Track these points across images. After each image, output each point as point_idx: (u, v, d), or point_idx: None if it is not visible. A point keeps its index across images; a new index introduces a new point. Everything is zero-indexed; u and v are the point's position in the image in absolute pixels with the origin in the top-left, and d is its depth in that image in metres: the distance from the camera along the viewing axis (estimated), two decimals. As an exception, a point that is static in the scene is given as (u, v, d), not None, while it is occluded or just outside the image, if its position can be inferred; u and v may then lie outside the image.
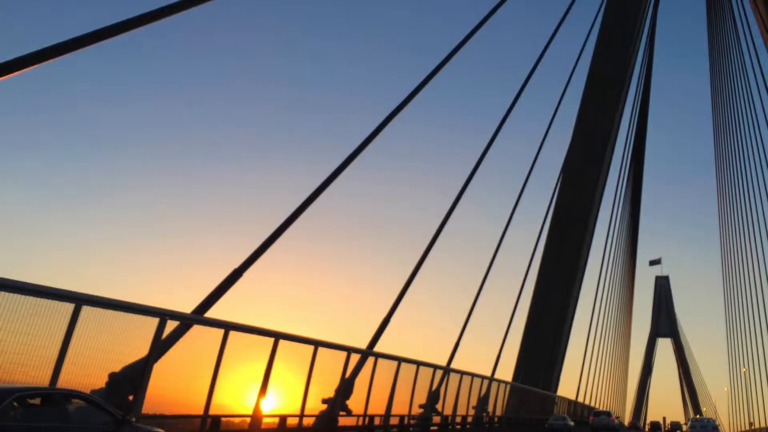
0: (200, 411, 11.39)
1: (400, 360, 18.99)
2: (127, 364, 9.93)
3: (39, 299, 8.38)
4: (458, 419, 25.44)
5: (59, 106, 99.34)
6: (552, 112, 39.01)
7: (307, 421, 14.99)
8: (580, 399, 56.10)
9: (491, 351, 34.44)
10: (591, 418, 43.18)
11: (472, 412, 27.19)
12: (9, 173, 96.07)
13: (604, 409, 59.29)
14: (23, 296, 8.18)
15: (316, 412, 15.35)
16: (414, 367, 20.16)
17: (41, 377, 8.41)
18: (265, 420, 13.16)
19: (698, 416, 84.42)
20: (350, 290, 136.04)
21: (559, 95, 40.05)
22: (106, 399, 8.82)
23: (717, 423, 40.17)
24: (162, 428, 8.75)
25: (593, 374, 60.75)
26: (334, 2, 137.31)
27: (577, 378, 54.99)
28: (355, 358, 16.52)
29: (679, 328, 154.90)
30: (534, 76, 31.23)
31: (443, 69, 21.99)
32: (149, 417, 10.11)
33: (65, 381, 8.59)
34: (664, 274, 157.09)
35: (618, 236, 64.87)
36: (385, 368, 18.25)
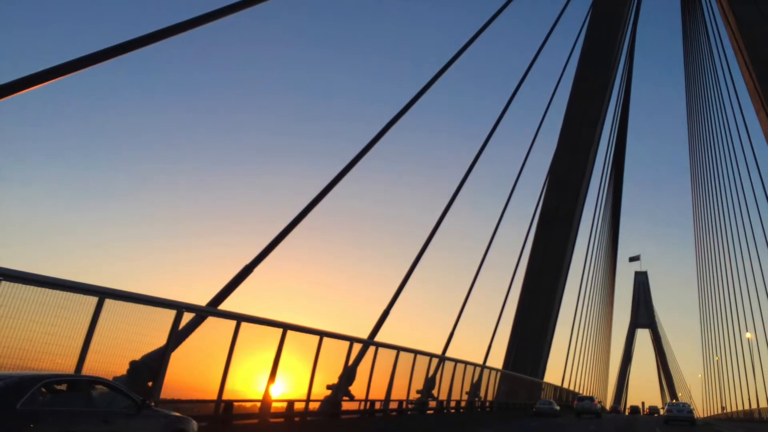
0: (214, 396, 11.38)
1: (399, 349, 18.97)
2: (146, 353, 9.92)
3: (65, 293, 8.36)
4: (453, 404, 25.43)
5: (84, 115, 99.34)
6: (539, 120, 39.07)
7: (313, 406, 14.98)
8: (566, 385, 56.05)
9: (483, 340, 34.44)
10: (575, 402, 43.16)
11: (465, 397, 27.17)
12: (37, 176, 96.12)
13: (588, 394, 59.32)
14: (51, 290, 8.17)
15: (322, 398, 15.34)
16: (412, 355, 20.15)
17: (67, 365, 8.40)
18: (274, 404, 13.16)
19: (674, 401, 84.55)
20: (353, 284, 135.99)
21: (546, 104, 40.13)
22: (127, 385, 8.82)
23: (692, 407, 40.17)
24: (179, 412, 8.75)
25: (577, 362, 60.72)
26: (338, 19, 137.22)
27: (563, 365, 54.97)
28: (357, 347, 16.50)
29: (656, 320, 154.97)
30: (523, 86, 31.29)
31: (439, 79, 21.99)
32: (167, 402, 10.09)
33: (89, 368, 8.58)
34: (643, 269, 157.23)
35: (600, 234, 64.85)
36: (385, 357, 18.24)
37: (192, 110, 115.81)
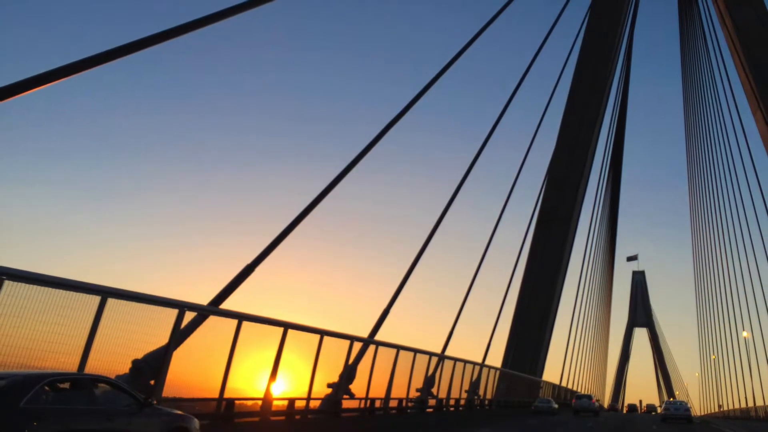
0: (216, 394, 11.38)
1: (398, 348, 18.96)
2: (148, 351, 9.92)
3: (68, 292, 8.36)
4: (452, 402, 25.42)
5: (86, 116, 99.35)
6: (538, 121, 39.10)
7: (314, 404, 14.98)
8: (564, 383, 56.06)
9: (482, 339, 34.49)
10: (573, 401, 43.14)
11: (464, 395, 27.16)
12: (42, 177, 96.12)
13: (586, 392, 59.28)
14: (54, 289, 8.17)
15: (322, 396, 15.34)
16: (411, 354, 20.14)
17: (70, 363, 8.40)
18: (275, 403, 13.16)
19: (672, 399, 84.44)
20: (353, 284, 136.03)
21: (545, 105, 40.15)
22: (129, 383, 8.82)
23: (689, 405, 40.14)
24: (181, 410, 8.75)
25: (575, 361, 60.76)
26: (339, 22, 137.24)
27: (561, 364, 55.02)
28: (357, 346, 16.50)
29: (654, 319, 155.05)
30: (521, 88, 31.32)
31: (439, 81, 21.98)
32: (169, 400, 10.09)
33: (92, 367, 8.58)
34: (641, 269, 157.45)
35: (598, 234, 64.90)
36: (385, 355, 18.24)
37: (194, 112, 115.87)
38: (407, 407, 20.52)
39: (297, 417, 14.03)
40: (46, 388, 6.54)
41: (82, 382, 7.23)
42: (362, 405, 17.28)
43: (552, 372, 54.12)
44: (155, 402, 8.31)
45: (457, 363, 25.45)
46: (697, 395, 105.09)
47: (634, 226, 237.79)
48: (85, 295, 8.62)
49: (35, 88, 10.19)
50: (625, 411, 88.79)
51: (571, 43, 45.19)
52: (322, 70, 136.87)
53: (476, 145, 27.64)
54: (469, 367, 27.35)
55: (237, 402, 12.09)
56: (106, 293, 8.85)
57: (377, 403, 18.22)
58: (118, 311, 9.05)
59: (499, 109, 29.64)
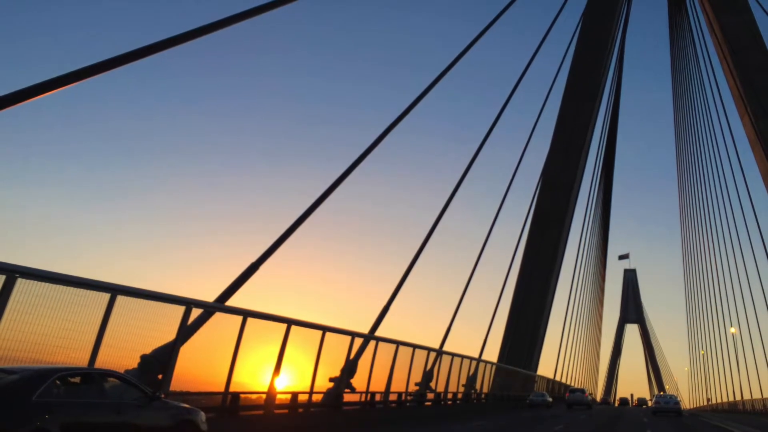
0: (221, 388, 11.39)
1: (398, 343, 18.97)
2: (156, 347, 9.92)
3: (79, 289, 8.36)
4: (450, 396, 25.42)
5: (97, 119, 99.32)
6: (533, 124, 39.08)
7: (316, 398, 14.99)
8: (558, 378, 56.03)
9: (479, 335, 34.44)
10: (567, 394, 43.13)
11: (461, 389, 27.17)
12: (54, 178, 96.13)
13: (579, 386, 59.24)
14: (65, 287, 8.17)
15: (324, 390, 15.35)
16: (410, 349, 20.14)
17: (81, 358, 8.41)
18: (279, 396, 13.16)
19: (662, 393, 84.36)
20: (354, 281, 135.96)
21: (539, 109, 40.12)
22: (138, 378, 8.82)
23: (678, 399, 40.14)
24: (188, 403, 8.75)
25: (569, 356, 60.72)
26: (341, 28, 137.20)
27: (555, 359, 54.98)
28: (358, 341, 16.51)
29: (644, 315, 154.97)
30: (517, 92, 31.30)
31: (437, 85, 21.97)
32: (176, 393, 10.09)
33: (102, 362, 8.59)
34: (632, 267, 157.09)
35: (591, 233, 64.83)
36: (385, 351, 18.25)
37: (201, 115, 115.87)
38: (406, 401, 20.53)
39: (300, 410, 14.04)
40: (58, 382, 6.55)
41: (92, 376, 7.24)
42: (363, 398, 17.30)
43: (546, 367, 54.10)
44: (163, 396, 8.32)
45: (455, 358, 25.44)
46: (686, 389, 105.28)
47: (625, 225, 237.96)
48: (95, 292, 8.63)
49: (48, 92, 10.17)
50: (617, 404, 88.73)
51: (565, 48, 45.21)
52: (324, 74, 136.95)
53: (473, 147, 27.64)
54: (466, 362, 27.34)
55: (242, 396, 12.10)
56: (115, 291, 8.86)
57: (377, 397, 18.23)
58: (127, 308, 9.06)
59: (496, 113, 29.66)
